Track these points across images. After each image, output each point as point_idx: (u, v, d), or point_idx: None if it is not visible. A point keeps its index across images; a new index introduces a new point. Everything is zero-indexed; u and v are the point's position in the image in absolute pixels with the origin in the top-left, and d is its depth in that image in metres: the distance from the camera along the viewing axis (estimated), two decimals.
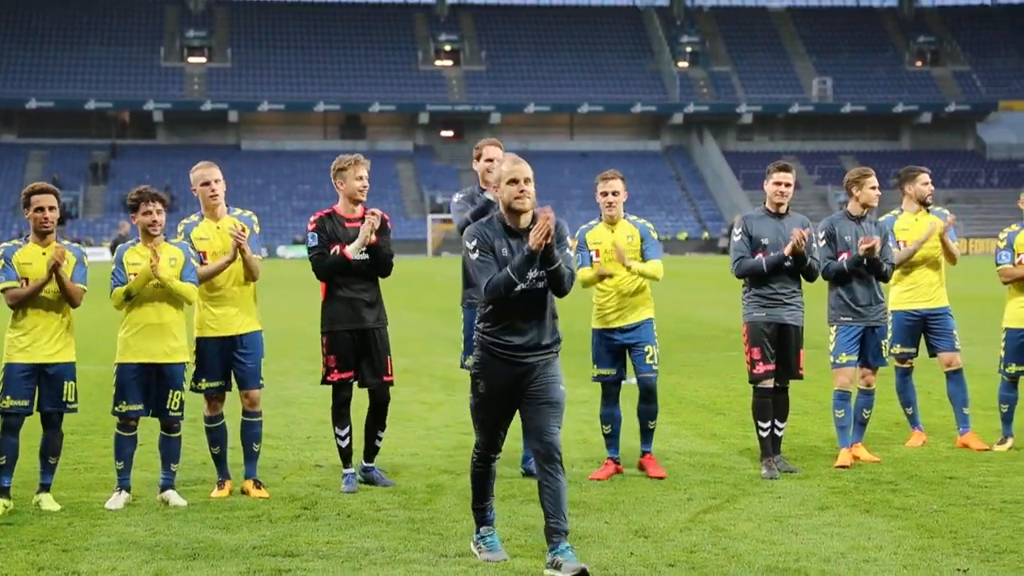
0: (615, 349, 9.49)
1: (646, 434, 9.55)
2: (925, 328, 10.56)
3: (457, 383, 15.09)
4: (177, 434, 8.71)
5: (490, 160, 9.32)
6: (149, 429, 9.44)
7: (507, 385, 6.92)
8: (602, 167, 63.60)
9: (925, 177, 10.61)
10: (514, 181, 6.85)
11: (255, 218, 9.07)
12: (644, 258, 9.46)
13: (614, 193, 9.40)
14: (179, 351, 8.62)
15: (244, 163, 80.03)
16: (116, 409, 8.59)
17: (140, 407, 8.56)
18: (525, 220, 6.89)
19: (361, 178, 9.00)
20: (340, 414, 9.08)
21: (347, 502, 8.58)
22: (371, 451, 9.22)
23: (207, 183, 8.88)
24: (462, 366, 9.50)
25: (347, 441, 9.05)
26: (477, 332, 6.97)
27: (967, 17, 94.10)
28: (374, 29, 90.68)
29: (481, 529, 7.20)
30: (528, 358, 6.90)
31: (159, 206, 8.60)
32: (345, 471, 9.04)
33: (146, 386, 8.55)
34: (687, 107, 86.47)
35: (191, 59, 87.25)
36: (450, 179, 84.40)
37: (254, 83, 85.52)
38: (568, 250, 6.90)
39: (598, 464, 9.70)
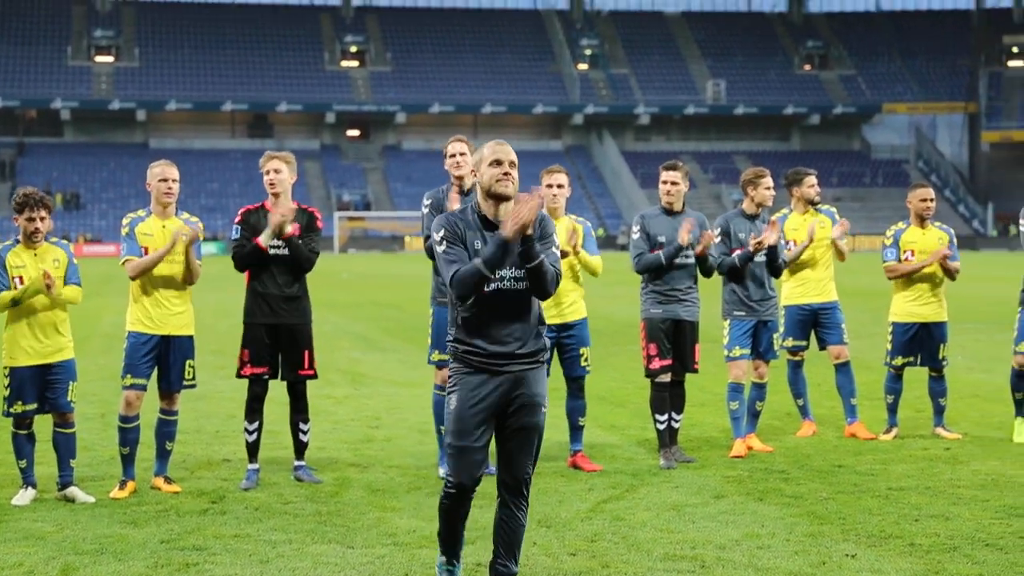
0: (554, 344, 9.52)
1: (577, 432, 9.64)
2: (815, 322, 10.90)
3: (361, 377, 15.21)
4: (72, 429, 8.70)
5: (453, 155, 9.20)
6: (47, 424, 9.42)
7: (486, 398, 5.97)
8: None
9: (812, 179, 10.94)
10: (498, 163, 5.97)
11: (200, 224, 9.06)
12: None
13: (559, 186, 9.35)
14: (67, 347, 8.61)
15: (152, 162, 78.78)
16: (11, 410, 8.53)
17: (35, 406, 8.52)
18: (504, 211, 5.97)
19: (268, 172, 9.06)
20: (251, 409, 9.10)
21: (255, 496, 8.64)
22: (299, 447, 9.23)
23: (165, 180, 8.84)
24: (429, 362, 9.49)
25: (255, 436, 9.08)
26: (451, 341, 6.05)
27: (853, 23, 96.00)
28: (281, 30, 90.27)
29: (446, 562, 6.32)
30: (509, 367, 5.98)
31: (43, 213, 8.41)
32: (249, 466, 9.09)
33: (39, 385, 8.51)
34: (587, 108, 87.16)
35: (99, 58, 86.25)
36: (356, 177, 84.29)
37: (162, 82, 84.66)
38: (555, 248, 6.01)
39: None
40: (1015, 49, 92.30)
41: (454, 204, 9.04)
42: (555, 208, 9.46)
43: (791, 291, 10.90)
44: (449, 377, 6.07)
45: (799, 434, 10.92)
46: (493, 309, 5.94)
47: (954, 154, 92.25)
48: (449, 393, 6.05)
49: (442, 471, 9.30)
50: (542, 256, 5.86)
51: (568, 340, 9.51)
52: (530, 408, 6.04)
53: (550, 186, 9.34)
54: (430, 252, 9.18)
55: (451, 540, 6.23)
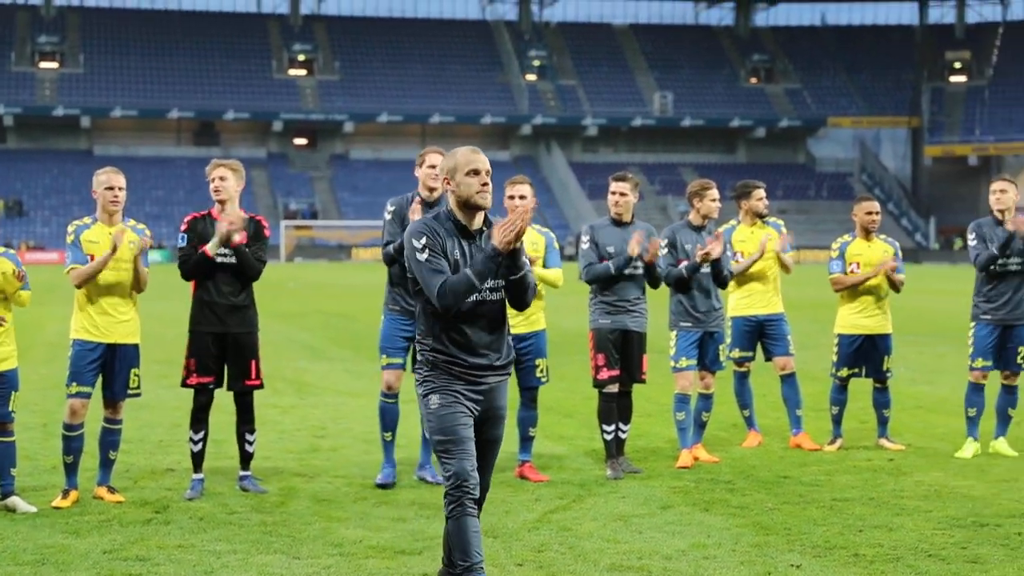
0: None
1: (527, 442, 9.63)
2: (761, 333, 10.97)
3: (307, 386, 15.14)
4: (11, 438, 8.60)
5: (432, 166, 9.15)
6: None
7: (466, 404, 5.89)
8: None
9: (760, 193, 11.02)
10: (476, 172, 5.79)
11: (148, 232, 8.97)
12: (546, 266, 9.58)
13: (521, 197, 9.14)
14: (11, 357, 8.51)
15: (96, 169, 78.20)
16: None
17: None
18: (479, 220, 5.88)
19: (213, 179, 9.00)
20: (197, 418, 9.02)
21: (199, 506, 8.57)
22: (244, 457, 9.16)
23: (111, 188, 8.75)
24: (382, 368, 9.46)
25: (200, 446, 9.01)
26: (425, 351, 5.90)
27: (798, 37, 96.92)
28: (228, 38, 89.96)
29: None
30: (487, 378, 5.91)
31: None
32: (194, 476, 9.03)
33: None
34: (535, 119, 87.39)
35: (43, 64, 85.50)
36: (303, 186, 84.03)
37: (107, 89, 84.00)
38: (526, 259, 5.89)
39: None
40: (957, 65, 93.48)
41: (415, 217, 9.03)
42: None
43: (737, 302, 10.97)
44: (424, 381, 5.91)
45: (745, 445, 10.98)
46: (473, 320, 5.82)
47: (897, 168, 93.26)
48: (428, 393, 5.89)
49: (380, 478, 9.28)
50: (527, 268, 5.82)
51: (525, 351, 9.50)
52: (497, 421, 6.02)
53: (512, 197, 9.17)
54: (390, 259, 9.15)
55: (467, 557, 5.85)
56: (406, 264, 5.83)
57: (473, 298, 5.78)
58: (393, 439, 9.46)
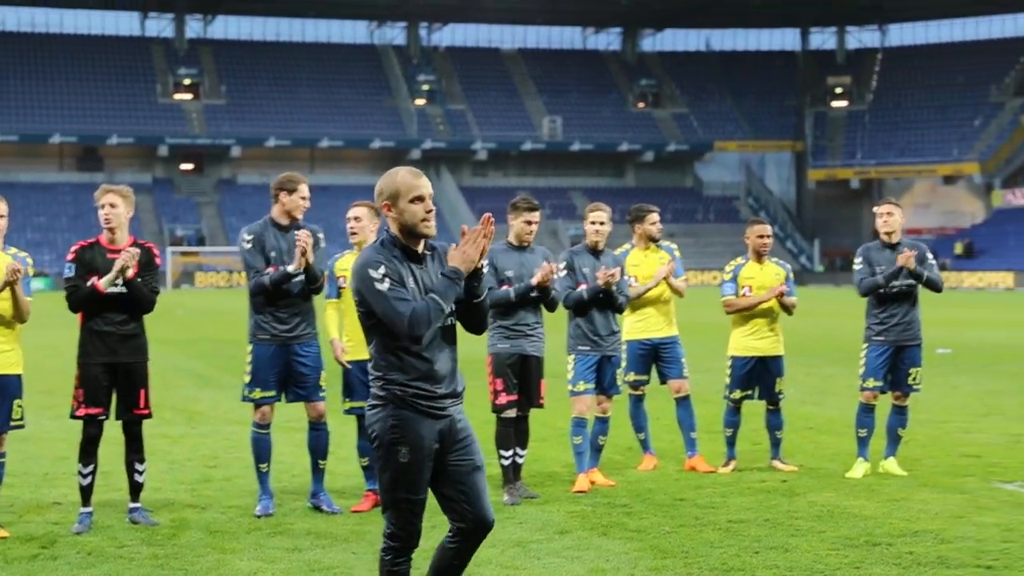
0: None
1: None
2: (656, 356, 11.03)
3: (198, 415, 14.89)
4: None
5: (304, 197, 9.21)
6: None
7: (432, 446, 5.56)
8: (342, 202, 62.93)
9: (654, 217, 11.09)
10: (420, 199, 5.50)
11: (30, 260, 8.71)
12: None
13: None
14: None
15: None
16: None
17: None
18: (422, 243, 5.61)
19: (103, 206, 8.79)
20: (86, 451, 8.80)
21: (88, 540, 8.35)
22: (134, 488, 8.97)
23: None
24: (244, 399, 9.33)
25: (89, 479, 8.79)
26: (386, 386, 5.53)
27: (685, 62, 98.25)
28: (112, 62, 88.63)
29: None
30: (449, 408, 5.61)
31: None
32: (82, 509, 8.81)
33: None
34: (424, 143, 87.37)
35: None
36: (190, 211, 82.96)
37: None
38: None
39: (358, 497, 9.71)
40: (839, 90, 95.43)
41: (306, 256, 8.92)
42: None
43: (632, 326, 11.02)
44: (393, 427, 5.50)
45: (640, 468, 11.01)
46: (433, 349, 5.53)
47: (782, 191, 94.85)
48: (396, 443, 5.50)
49: (259, 509, 9.14)
50: (486, 292, 5.62)
51: None
52: (474, 444, 5.71)
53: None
54: (262, 289, 9.03)
55: None
56: (355, 299, 5.53)
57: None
58: (269, 469, 9.34)
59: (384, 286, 5.41)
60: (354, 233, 9.49)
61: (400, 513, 5.56)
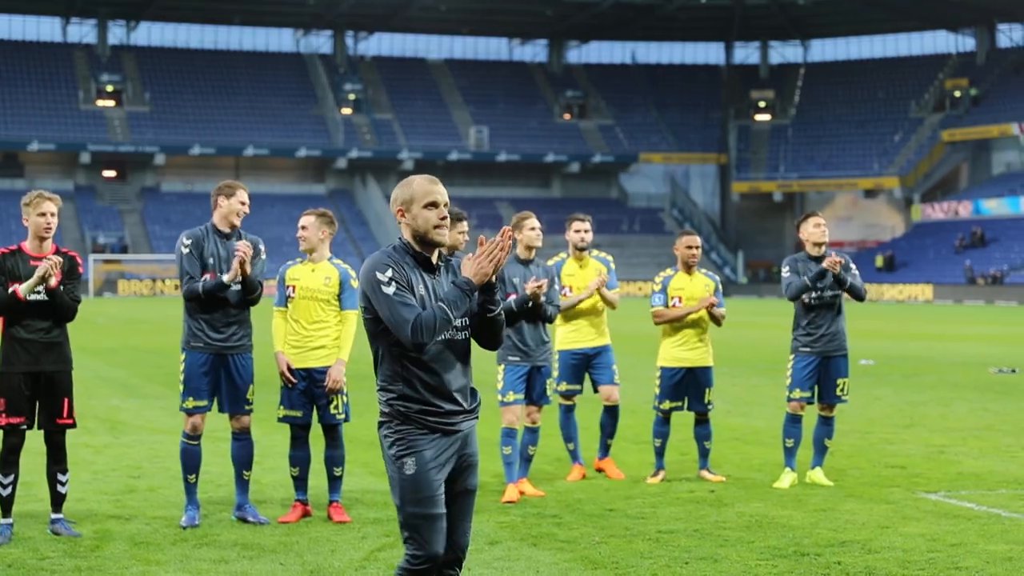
0: (307, 391, 9.34)
1: (335, 481, 9.41)
2: (587, 365, 11.05)
3: (121, 425, 14.67)
4: None
5: (244, 202, 9.19)
6: None
7: (444, 461, 5.34)
8: (268, 210, 62.57)
9: (577, 224, 11.08)
10: (434, 204, 5.34)
11: None
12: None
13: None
14: None
15: None
16: None
17: None
18: (436, 253, 5.45)
19: (44, 214, 8.60)
20: (7, 461, 8.62)
21: (8, 552, 8.18)
22: (56, 499, 8.80)
23: None
24: (181, 409, 9.21)
25: (9, 490, 8.61)
26: (394, 401, 5.33)
27: (610, 74, 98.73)
28: (33, 67, 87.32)
29: None
30: (461, 424, 5.39)
31: None
32: (2, 521, 8.61)
33: None
34: (350, 152, 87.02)
35: None
36: (112, 219, 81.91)
37: None
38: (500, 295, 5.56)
39: (286, 508, 9.59)
40: (762, 104, 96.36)
41: (242, 266, 8.84)
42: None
43: (565, 336, 11.03)
44: (397, 441, 5.31)
45: (570, 478, 11.00)
46: (443, 362, 5.32)
47: (706, 203, 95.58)
48: (402, 456, 5.28)
49: (184, 520, 9.01)
50: (501, 304, 5.38)
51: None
52: (471, 468, 5.46)
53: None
54: (196, 295, 8.94)
55: None
56: (362, 304, 5.38)
57: (442, 338, 5.29)
58: (197, 480, 9.22)
59: (390, 290, 5.24)
60: (302, 240, 9.38)
61: (415, 531, 5.28)
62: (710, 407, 11.07)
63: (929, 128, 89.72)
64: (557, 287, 10.45)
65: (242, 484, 9.32)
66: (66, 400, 8.73)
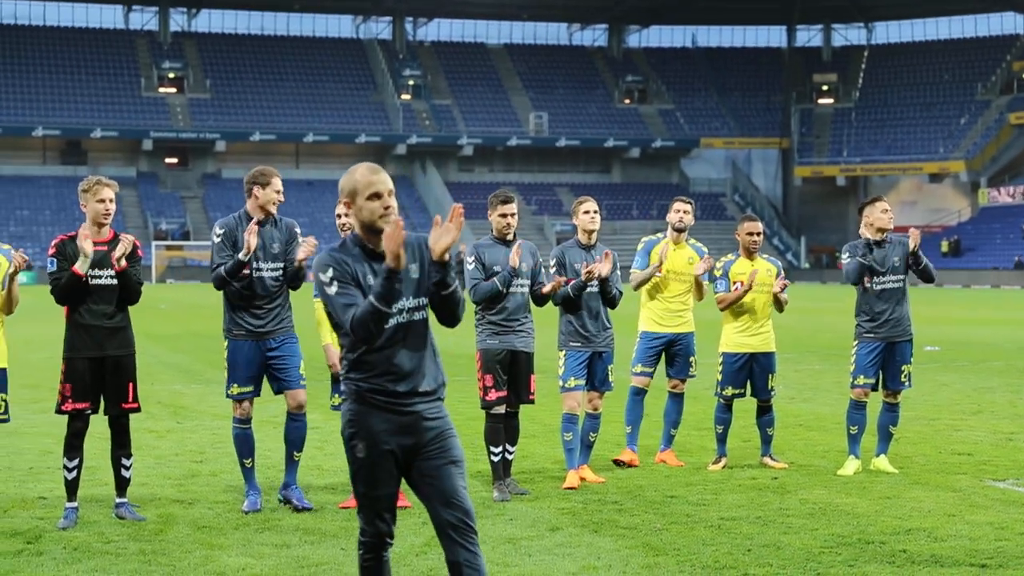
0: None
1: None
2: (667, 351, 11.09)
3: (184, 410, 14.79)
4: None
5: (279, 191, 9.21)
6: None
7: (393, 443, 5.48)
8: (328, 196, 62.83)
9: (678, 205, 11.11)
10: (377, 195, 5.42)
11: (15, 252, 8.61)
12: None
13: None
14: None
15: None
16: None
17: None
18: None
19: (103, 200, 8.67)
20: (72, 445, 8.70)
21: (74, 535, 8.26)
22: (120, 483, 8.86)
23: None
24: (227, 396, 9.23)
25: (75, 474, 8.70)
26: (348, 381, 5.52)
27: (670, 59, 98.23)
28: (96, 54, 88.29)
29: None
30: (415, 405, 5.49)
31: None
32: (68, 504, 8.71)
33: None
34: (410, 138, 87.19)
35: None
36: (174, 206, 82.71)
37: None
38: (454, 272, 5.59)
39: (347, 493, 9.61)
40: (824, 87, 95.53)
41: (252, 237, 8.87)
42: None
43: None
44: (350, 422, 5.48)
45: (627, 461, 10.94)
46: (392, 345, 5.43)
47: (768, 188, 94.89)
48: (353, 438, 5.47)
49: (246, 505, 9.05)
50: (456, 283, 5.46)
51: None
52: (448, 440, 5.53)
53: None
54: (221, 282, 8.97)
55: None
56: (315, 294, 5.56)
57: (394, 321, 5.39)
58: (253, 464, 9.24)
59: (332, 289, 5.38)
60: (343, 228, 9.39)
61: (362, 509, 5.57)
62: (773, 393, 10.97)
63: (996, 111, 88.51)
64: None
65: (292, 465, 9.29)
66: (131, 384, 8.79)
